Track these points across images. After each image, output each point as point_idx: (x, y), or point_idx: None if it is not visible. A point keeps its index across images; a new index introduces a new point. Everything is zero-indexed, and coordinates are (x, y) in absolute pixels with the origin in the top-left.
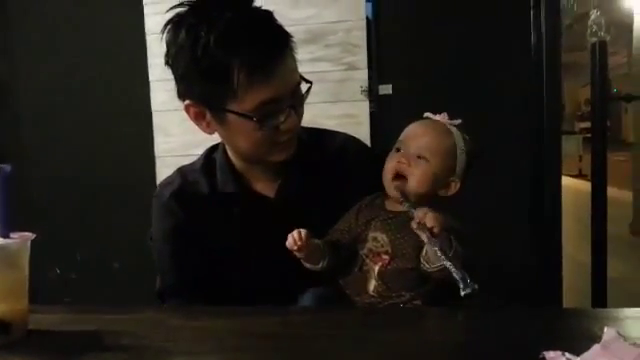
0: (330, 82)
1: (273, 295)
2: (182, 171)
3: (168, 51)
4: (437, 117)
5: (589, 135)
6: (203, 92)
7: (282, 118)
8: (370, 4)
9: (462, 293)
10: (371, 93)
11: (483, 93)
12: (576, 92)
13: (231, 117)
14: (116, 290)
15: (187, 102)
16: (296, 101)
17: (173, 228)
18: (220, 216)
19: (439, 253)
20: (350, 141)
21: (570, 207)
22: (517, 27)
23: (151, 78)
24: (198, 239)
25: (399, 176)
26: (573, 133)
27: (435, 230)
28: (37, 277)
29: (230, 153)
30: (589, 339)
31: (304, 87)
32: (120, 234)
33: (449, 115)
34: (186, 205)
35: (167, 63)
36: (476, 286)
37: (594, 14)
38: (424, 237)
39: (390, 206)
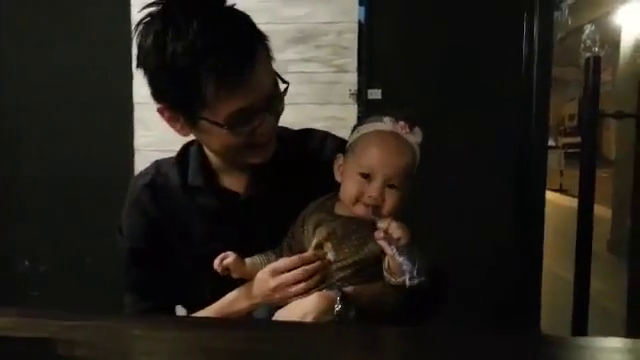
0: (319, 84)
1: None
2: (158, 163)
3: (138, 54)
4: (398, 129)
5: (571, 150)
6: (174, 98)
7: (257, 123)
8: (363, 8)
9: (407, 283)
10: (360, 97)
11: (471, 104)
12: (561, 107)
13: (203, 123)
14: (86, 285)
15: (160, 106)
16: (272, 104)
17: (144, 227)
18: (189, 210)
19: (404, 266)
20: (329, 139)
21: (550, 221)
22: (509, 39)
23: (135, 70)
24: (166, 237)
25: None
26: (555, 148)
27: (402, 242)
28: (5, 269)
29: (205, 147)
30: None
31: (282, 85)
32: (93, 228)
33: (405, 119)
34: (157, 198)
35: (138, 66)
36: (422, 278)
37: (588, 29)
38: (388, 250)
39: (341, 210)
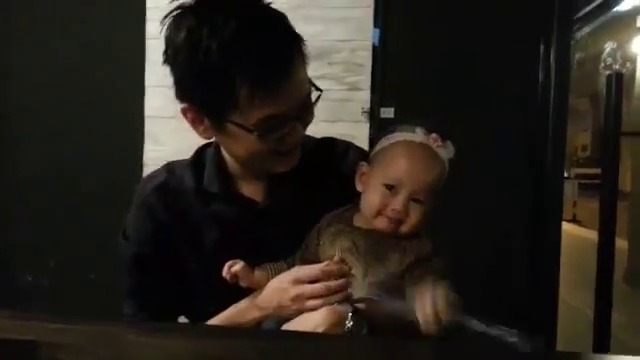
0: (331, 101)
1: None
2: (170, 165)
3: (167, 49)
4: (431, 142)
5: (584, 181)
6: (202, 99)
7: (287, 131)
8: (378, 30)
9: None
10: (372, 115)
11: (485, 131)
12: (574, 138)
13: (231, 127)
14: (91, 302)
15: (184, 106)
16: (304, 113)
17: (151, 231)
18: (201, 216)
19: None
20: (351, 149)
21: (565, 252)
22: (525, 63)
23: (147, 83)
24: (175, 243)
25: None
26: (568, 178)
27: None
28: (6, 283)
29: (225, 151)
30: None
31: (314, 95)
32: (99, 243)
33: (438, 134)
34: (168, 201)
35: (165, 62)
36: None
37: (609, 47)
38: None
39: (360, 222)
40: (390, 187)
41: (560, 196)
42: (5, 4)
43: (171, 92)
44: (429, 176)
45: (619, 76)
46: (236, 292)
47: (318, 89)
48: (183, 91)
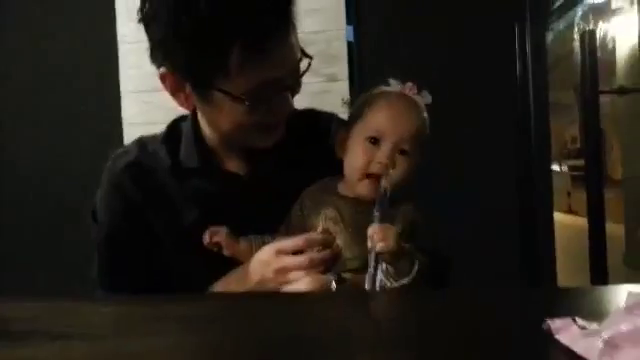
0: (310, 93)
1: None
2: (141, 141)
3: (143, 5)
4: (406, 90)
5: (576, 173)
6: (186, 63)
7: (277, 100)
8: (351, 27)
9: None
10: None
11: (466, 128)
12: (561, 130)
13: (218, 96)
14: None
15: (163, 70)
16: (294, 82)
17: (122, 212)
18: (179, 193)
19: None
20: (335, 120)
21: (561, 242)
22: (502, 59)
23: (122, 89)
24: (150, 222)
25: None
26: (560, 171)
27: (384, 256)
28: None
29: (203, 124)
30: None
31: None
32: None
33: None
34: (141, 180)
35: (141, 20)
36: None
37: (581, 10)
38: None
39: (345, 191)
40: (373, 140)
41: (550, 187)
42: None
43: (147, 97)
44: (411, 125)
45: (592, 33)
46: (216, 271)
47: (308, 56)
48: (164, 53)
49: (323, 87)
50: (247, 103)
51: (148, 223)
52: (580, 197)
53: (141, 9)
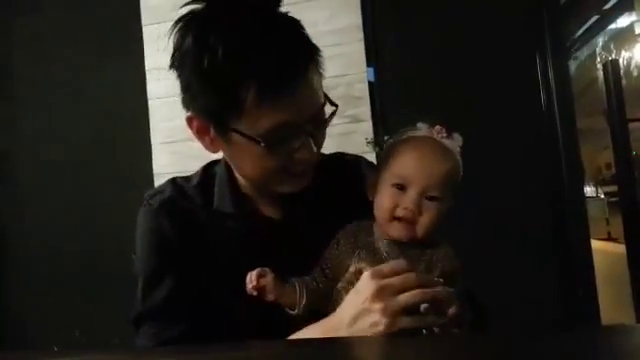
0: (335, 135)
1: (271, 328)
2: (175, 182)
3: (174, 54)
4: (434, 134)
5: (614, 199)
6: (207, 106)
7: (297, 145)
8: (372, 69)
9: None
10: (378, 144)
11: (493, 160)
12: (595, 156)
13: (237, 137)
14: None
15: (189, 114)
16: (316, 128)
17: (159, 242)
18: (214, 236)
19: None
20: (362, 163)
21: (602, 270)
22: (525, 90)
23: (153, 141)
24: (186, 259)
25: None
26: (597, 198)
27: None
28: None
29: (234, 168)
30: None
31: (328, 110)
32: (119, 307)
33: (443, 125)
34: (176, 218)
35: (172, 66)
36: None
37: (601, 40)
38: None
39: (380, 232)
40: (399, 186)
41: (585, 215)
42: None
43: (177, 147)
44: (439, 169)
45: (614, 62)
46: (261, 311)
47: (333, 104)
48: (188, 97)
49: (348, 128)
50: (262, 144)
51: (182, 258)
52: (619, 223)
53: (172, 56)
